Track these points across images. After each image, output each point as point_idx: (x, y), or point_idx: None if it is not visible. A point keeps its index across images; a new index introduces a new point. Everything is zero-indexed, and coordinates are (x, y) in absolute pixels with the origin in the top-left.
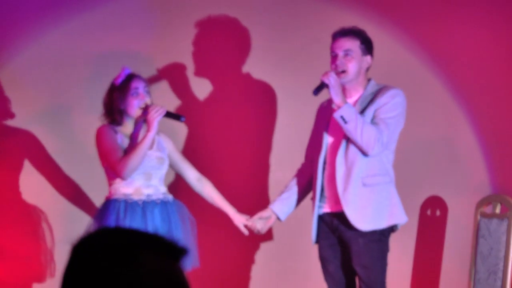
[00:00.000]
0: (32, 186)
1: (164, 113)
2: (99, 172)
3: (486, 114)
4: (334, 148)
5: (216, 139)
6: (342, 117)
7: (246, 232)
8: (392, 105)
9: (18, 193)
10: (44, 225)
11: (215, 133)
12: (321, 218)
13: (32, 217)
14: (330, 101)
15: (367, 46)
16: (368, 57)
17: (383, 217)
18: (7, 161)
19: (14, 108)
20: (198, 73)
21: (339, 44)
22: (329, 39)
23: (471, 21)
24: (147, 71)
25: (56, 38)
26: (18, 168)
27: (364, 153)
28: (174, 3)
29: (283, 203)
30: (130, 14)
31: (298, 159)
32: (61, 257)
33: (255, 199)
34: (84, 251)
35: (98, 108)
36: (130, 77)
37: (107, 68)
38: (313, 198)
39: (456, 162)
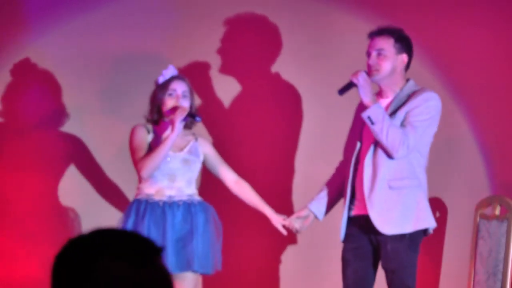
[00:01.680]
0: (34, 187)
1: (185, 114)
2: (101, 173)
3: (486, 115)
4: (366, 149)
5: (237, 140)
6: (369, 117)
7: (284, 232)
8: (424, 108)
9: (20, 194)
10: (46, 225)
11: (236, 133)
12: (351, 220)
13: (34, 217)
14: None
15: (402, 45)
16: (403, 56)
17: (408, 221)
18: (7, 161)
19: (16, 108)
20: (215, 72)
21: (373, 43)
22: (331, 41)
23: (471, 21)
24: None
25: (57, 39)
26: (19, 169)
27: (390, 156)
28: (185, 3)
29: (320, 202)
30: (139, 13)
31: (318, 159)
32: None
33: (278, 198)
34: (56, 261)
35: (106, 109)
36: (172, 78)
37: (113, 69)
38: (344, 197)
39: (456, 163)
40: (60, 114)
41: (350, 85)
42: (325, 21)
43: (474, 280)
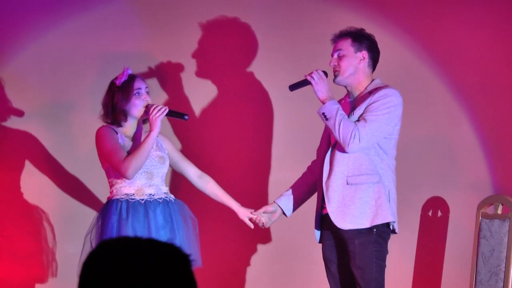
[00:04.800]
0: (33, 186)
1: (166, 111)
2: (101, 172)
3: (487, 114)
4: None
5: (216, 139)
6: (323, 113)
7: (251, 225)
8: (381, 103)
9: (19, 193)
10: (45, 225)
11: (215, 132)
12: (325, 218)
13: (33, 217)
14: (342, 99)
15: (361, 42)
16: (363, 53)
17: (365, 216)
18: (7, 161)
19: (15, 108)
20: (198, 72)
21: (334, 46)
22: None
23: (472, 21)
24: (147, 70)
25: (56, 38)
26: (18, 168)
27: (344, 150)
28: (173, 3)
29: (289, 198)
30: (130, 14)
31: (298, 159)
32: (62, 257)
33: (254, 199)
34: (89, 269)
35: (99, 107)
36: (132, 78)
37: (107, 68)
38: (317, 196)
39: (458, 163)
40: (55, 113)
41: (303, 83)
42: (315, 20)
43: (476, 280)
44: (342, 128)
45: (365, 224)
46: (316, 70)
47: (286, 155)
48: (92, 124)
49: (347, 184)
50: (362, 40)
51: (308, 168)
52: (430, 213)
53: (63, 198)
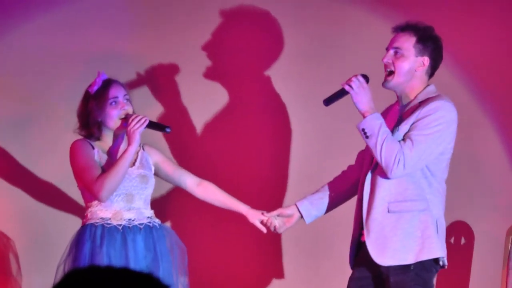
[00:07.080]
0: None
1: (146, 123)
2: (76, 191)
3: None
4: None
5: (223, 147)
6: (363, 130)
7: (264, 229)
8: (430, 120)
9: None
10: (10, 255)
11: (222, 140)
12: (362, 245)
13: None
14: (393, 106)
15: (426, 46)
16: (424, 59)
17: (409, 250)
18: None
19: None
20: (199, 74)
21: (393, 39)
22: (340, 40)
23: (495, 24)
24: (136, 76)
25: (22, 37)
26: None
27: (386, 175)
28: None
29: (312, 203)
30: (114, 7)
31: (315, 172)
32: None
33: (272, 205)
34: None
35: (70, 115)
36: (107, 84)
37: (84, 71)
38: (355, 219)
39: (484, 182)
40: (19, 121)
41: (340, 94)
42: (335, 17)
43: None
44: (385, 150)
45: (408, 259)
46: (355, 76)
47: (302, 166)
48: (64, 136)
49: (388, 212)
50: (428, 43)
51: (343, 172)
52: (452, 240)
53: (32, 221)
